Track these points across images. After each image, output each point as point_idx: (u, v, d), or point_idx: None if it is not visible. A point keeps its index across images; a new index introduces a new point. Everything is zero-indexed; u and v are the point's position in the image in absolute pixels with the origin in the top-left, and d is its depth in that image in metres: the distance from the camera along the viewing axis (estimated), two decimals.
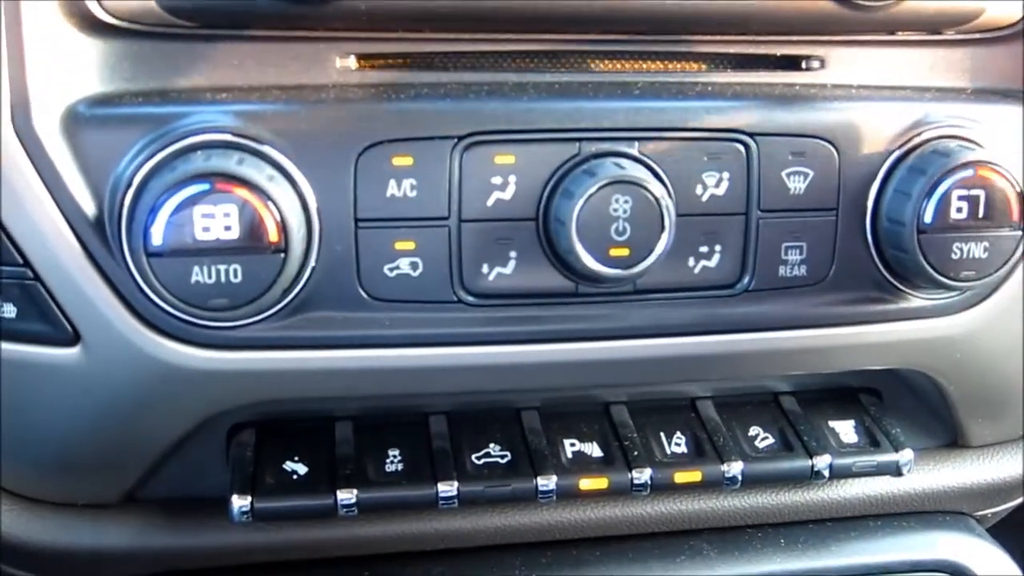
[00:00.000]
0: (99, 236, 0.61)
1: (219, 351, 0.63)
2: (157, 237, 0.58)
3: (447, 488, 0.68)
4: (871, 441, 0.76)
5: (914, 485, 0.81)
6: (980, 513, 0.86)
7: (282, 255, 0.60)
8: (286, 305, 0.62)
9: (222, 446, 0.71)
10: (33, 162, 0.60)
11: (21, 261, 0.61)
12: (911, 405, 0.81)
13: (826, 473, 0.73)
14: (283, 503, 0.68)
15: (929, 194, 0.66)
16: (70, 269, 0.61)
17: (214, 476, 0.71)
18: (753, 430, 0.76)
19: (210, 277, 0.59)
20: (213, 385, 0.64)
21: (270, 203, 0.59)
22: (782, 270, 0.68)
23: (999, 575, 0.81)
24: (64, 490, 0.71)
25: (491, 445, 0.72)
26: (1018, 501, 0.88)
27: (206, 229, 0.58)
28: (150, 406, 0.66)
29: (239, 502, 0.67)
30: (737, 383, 0.77)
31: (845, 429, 0.77)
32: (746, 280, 0.68)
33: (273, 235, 0.59)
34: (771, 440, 0.75)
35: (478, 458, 0.71)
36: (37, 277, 0.61)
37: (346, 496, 0.67)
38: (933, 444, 0.83)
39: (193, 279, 0.59)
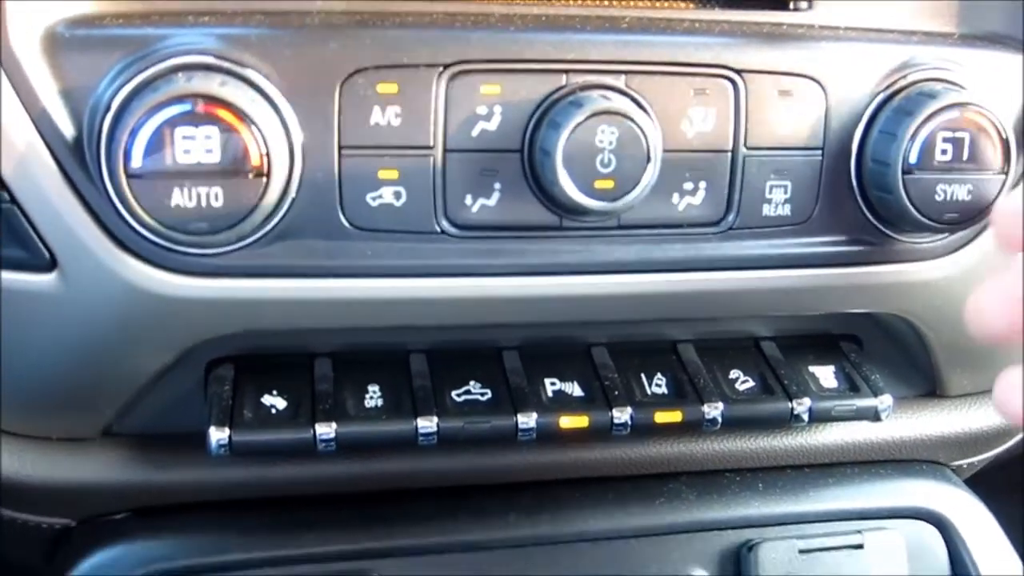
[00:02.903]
0: (77, 159, 0.60)
1: (198, 278, 0.62)
2: (137, 159, 0.57)
3: (427, 424, 0.68)
4: (850, 386, 0.76)
5: (892, 433, 0.82)
6: (957, 463, 0.87)
7: (264, 180, 0.59)
8: (267, 232, 0.61)
9: (200, 381, 0.71)
10: (12, 83, 0.59)
11: None
12: (891, 353, 0.81)
13: (805, 417, 0.73)
14: (261, 437, 0.67)
15: (914, 135, 0.66)
16: (47, 192, 0.60)
17: (192, 411, 0.71)
18: (734, 373, 0.76)
19: (190, 200, 0.58)
20: (192, 314, 0.64)
21: (252, 127, 0.58)
22: (766, 209, 0.68)
23: (974, 523, 0.82)
24: (41, 424, 0.71)
25: (472, 383, 0.72)
26: (994, 452, 0.89)
27: (187, 152, 0.57)
28: (128, 335, 0.65)
29: (217, 435, 0.66)
30: (718, 327, 0.77)
31: (825, 374, 0.77)
32: (730, 218, 0.67)
33: (255, 159, 0.58)
34: (751, 383, 0.75)
35: (458, 395, 0.71)
36: (13, 200, 0.60)
37: (325, 431, 0.67)
38: (912, 393, 0.83)
39: (173, 202, 0.58)
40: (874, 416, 0.75)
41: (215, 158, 0.58)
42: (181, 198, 0.58)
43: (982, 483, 0.89)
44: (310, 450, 0.67)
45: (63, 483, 0.71)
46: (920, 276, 0.72)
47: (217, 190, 0.58)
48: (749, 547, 0.76)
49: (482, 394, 0.71)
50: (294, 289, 0.64)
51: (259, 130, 0.58)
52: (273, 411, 0.69)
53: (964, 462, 0.87)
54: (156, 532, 0.72)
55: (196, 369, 0.71)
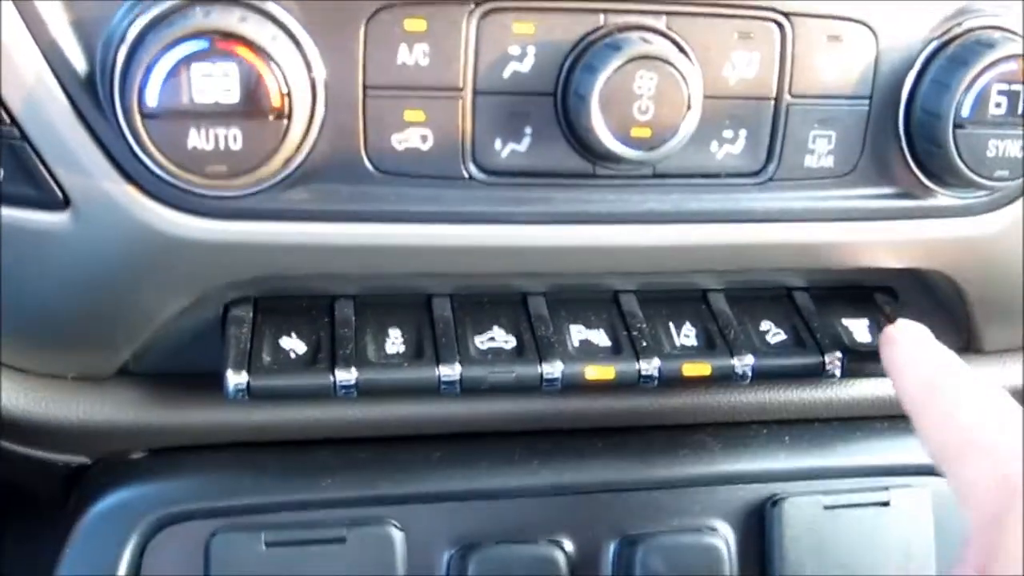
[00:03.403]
0: (90, 95, 0.57)
1: (216, 220, 0.60)
2: (152, 97, 0.55)
3: (449, 372, 0.66)
4: None
5: None
6: None
7: (285, 122, 0.56)
8: (288, 175, 0.59)
9: (218, 320, 0.69)
10: (20, 13, 0.56)
11: (8, 120, 0.57)
12: (926, 307, 0.78)
13: (837, 372, 0.71)
14: (280, 381, 0.65)
15: (969, 87, 0.63)
16: (59, 129, 0.58)
17: (210, 351, 0.68)
18: (764, 324, 0.74)
19: (208, 142, 0.56)
20: (209, 257, 0.61)
21: (273, 65, 0.55)
22: (808, 160, 0.65)
23: None
24: (55, 362, 0.69)
25: (496, 329, 0.70)
26: None
27: (204, 91, 0.55)
28: (143, 277, 0.63)
29: (234, 379, 0.64)
30: (751, 276, 0.74)
31: (858, 328, 0.75)
32: (771, 168, 0.65)
33: (275, 100, 0.56)
34: (783, 336, 0.73)
35: (482, 343, 0.69)
36: (24, 136, 0.58)
37: (345, 377, 0.65)
38: (947, 347, 0.81)
39: (190, 144, 0.56)
40: None
41: (234, 98, 0.55)
42: (198, 139, 0.56)
43: None
44: (329, 396, 0.65)
45: (78, 422, 0.69)
46: (963, 232, 0.70)
47: (236, 132, 0.56)
48: (773, 502, 0.75)
49: (506, 341, 0.69)
50: (315, 234, 0.61)
51: (280, 69, 0.55)
52: (292, 355, 0.67)
53: None
54: (172, 473, 0.71)
55: (214, 309, 0.69)
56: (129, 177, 0.59)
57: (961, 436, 0.59)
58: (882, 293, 0.78)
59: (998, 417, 0.58)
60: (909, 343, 0.67)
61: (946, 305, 0.78)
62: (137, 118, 0.55)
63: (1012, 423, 0.58)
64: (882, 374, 0.73)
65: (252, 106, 0.55)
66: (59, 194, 0.59)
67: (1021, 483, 0.53)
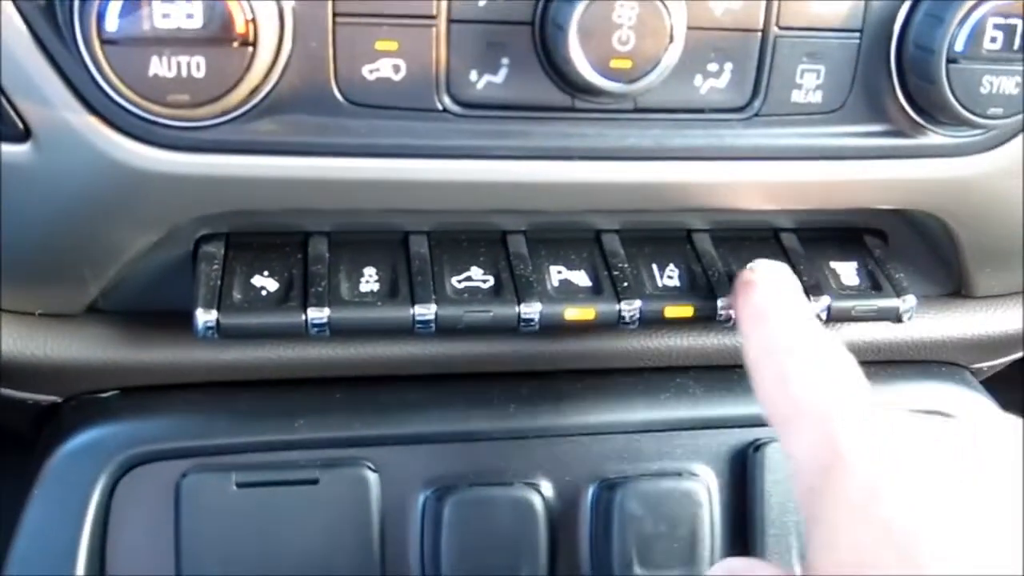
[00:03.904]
0: (49, 21, 0.55)
1: (180, 153, 0.58)
2: (111, 23, 0.52)
3: (424, 311, 0.64)
4: (873, 285, 0.72)
5: (913, 334, 0.78)
6: (976, 366, 0.84)
7: (250, 49, 0.54)
8: (254, 106, 0.57)
9: (189, 256, 0.67)
10: None
11: None
12: (916, 250, 0.77)
13: (824, 316, 0.70)
14: (250, 320, 0.64)
15: (963, 20, 0.60)
16: (18, 57, 0.55)
17: (181, 289, 0.67)
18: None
19: (170, 70, 0.54)
20: (174, 191, 0.60)
21: None
22: (796, 95, 0.63)
23: None
24: (22, 299, 0.67)
25: (473, 268, 0.68)
26: (1016, 355, 0.86)
27: (166, 16, 0.53)
28: (108, 211, 0.61)
29: (204, 317, 0.63)
30: (737, 216, 0.73)
31: (847, 271, 0.73)
32: (756, 104, 0.62)
33: (240, 26, 0.54)
34: None
35: (459, 281, 0.67)
36: None
37: (317, 315, 0.63)
38: (936, 292, 0.79)
39: (151, 71, 0.54)
40: (896, 317, 0.71)
41: (197, 23, 0.53)
42: (160, 67, 0.54)
43: (997, 383, 0.86)
44: (301, 335, 0.64)
45: (46, 359, 0.68)
46: (955, 172, 0.68)
47: (199, 59, 0.54)
48: (756, 447, 0.74)
49: (484, 281, 0.67)
50: (283, 167, 0.59)
51: None
52: (264, 292, 0.65)
53: (984, 364, 0.84)
54: (143, 412, 0.70)
55: (185, 245, 0.67)
56: (91, 107, 0.57)
57: (792, 404, 0.56)
58: (872, 236, 0.76)
59: (832, 386, 0.56)
60: (761, 293, 0.64)
61: (937, 248, 0.76)
62: (96, 45, 0.53)
63: (845, 393, 0.55)
64: (871, 318, 0.72)
65: (216, 32, 0.53)
66: (19, 125, 0.57)
67: (844, 453, 0.51)
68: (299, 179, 0.60)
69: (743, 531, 0.74)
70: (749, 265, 0.67)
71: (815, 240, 0.74)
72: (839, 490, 0.50)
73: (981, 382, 0.84)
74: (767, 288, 0.65)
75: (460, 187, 0.62)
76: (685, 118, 0.62)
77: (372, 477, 0.69)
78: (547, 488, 0.72)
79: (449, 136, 0.60)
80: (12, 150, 0.58)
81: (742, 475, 0.74)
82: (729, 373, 0.76)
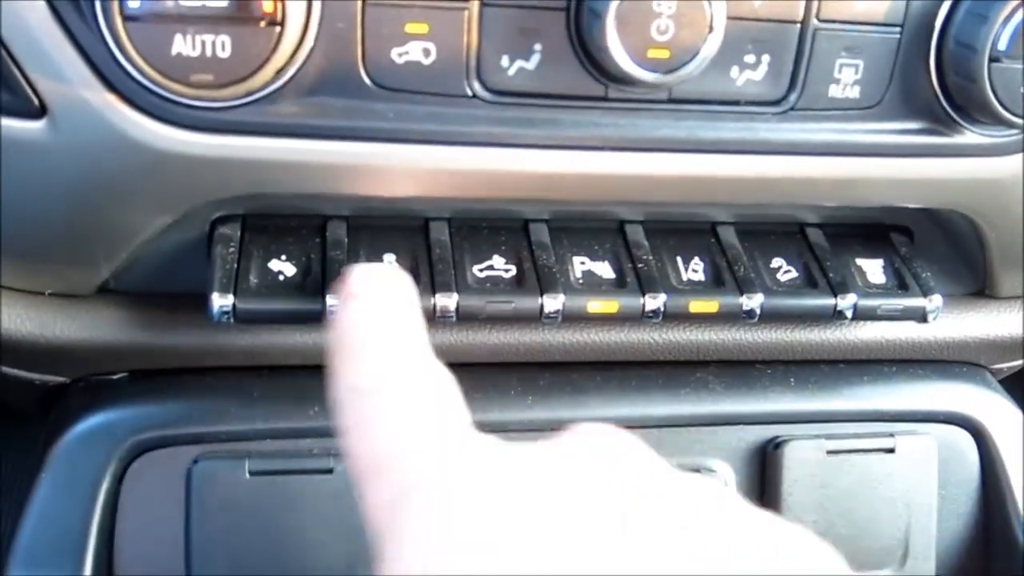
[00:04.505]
0: None
1: (201, 134, 0.56)
2: None
3: (445, 301, 0.63)
4: (899, 283, 0.71)
5: (936, 333, 0.77)
6: (996, 367, 0.83)
7: (277, 29, 0.53)
8: (279, 87, 0.55)
9: (204, 238, 0.66)
10: None
11: None
12: (942, 248, 0.76)
13: (849, 314, 0.68)
14: (267, 305, 0.62)
15: (1008, 18, 0.59)
16: (36, 31, 0.53)
17: (195, 271, 0.65)
18: (776, 262, 0.70)
19: (194, 49, 0.52)
20: (193, 172, 0.58)
21: None
22: (833, 89, 0.61)
23: (1010, 431, 0.78)
24: (33, 278, 0.66)
25: (495, 257, 0.66)
26: None
27: None
28: (124, 191, 0.59)
29: (220, 301, 0.61)
30: (763, 210, 0.71)
31: (873, 268, 0.72)
32: (793, 97, 0.61)
33: (268, 5, 0.52)
34: (794, 274, 0.70)
35: (480, 270, 0.66)
36: None
37: (335, 302, 0.62)
38: (959, 291, 0.78)
39: (174, 50, 0.52)
40: (921, 317, 0.70)
41: (223, 2, 0.51)
42: (184, 46, 0.52)
43: (1015, 383, 0.85)
44: (318, 321, 0.62)
45: (56, 340, 0.66)
46: (989, 172, 0.66)
47: (224, 39, 0.52)
48: (776, 445, 0.73)
49: (506, 270, 0.66)
50: (307, 151, 0.58)
51: None
52: (281, 277, 0.64)
53: (1004, 365, 0.83)
54: (154, 396, 0.68)
55: (200, 226, 0.65)
56: (110, 85, 0.55)
57: (370, 455, 0.48)
58: (898, 233, 0.75)
59: (413, 439, 0.48)
60: (360, 312, 0.54)
61: (963, 247, 0.75)
62: (118, 21, 0.51)
63: (425, 440, 0.48)
64: (896, 317, 0.70)
65: (243, 11, 0.52)
66: (36, 101, 0.55)
67: (408, 490, 0.45)
68: (323, 163, 0.58)
69: None
70: (354, 272, 0.56)
71: (841, 236, 0.73)
72: (392, 558, 0.44)
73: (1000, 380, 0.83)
74: (364, 309, 0.55)
75: (488, 175, 0.60)
76: (720, 110, 0.61)
77: None
78: None
79: (478, 123, 0.58)
80: (27, 126, 0.56)
81: (761, 472, 0.73)
82: (749, 369, 0.75)
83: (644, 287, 0.66)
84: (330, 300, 0.62)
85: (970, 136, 0.64)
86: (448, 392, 0.52)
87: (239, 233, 0.65)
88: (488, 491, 0.44)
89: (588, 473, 0.46)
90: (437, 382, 0.52)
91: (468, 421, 0.51)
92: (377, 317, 0.54)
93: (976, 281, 0.78)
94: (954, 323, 0.77)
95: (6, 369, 0.68)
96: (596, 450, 0.49)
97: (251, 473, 0.66)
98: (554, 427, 0.71)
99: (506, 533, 0.42)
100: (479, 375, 0.71)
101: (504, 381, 0.72)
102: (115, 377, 0.69)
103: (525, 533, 0.42)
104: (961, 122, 0.64)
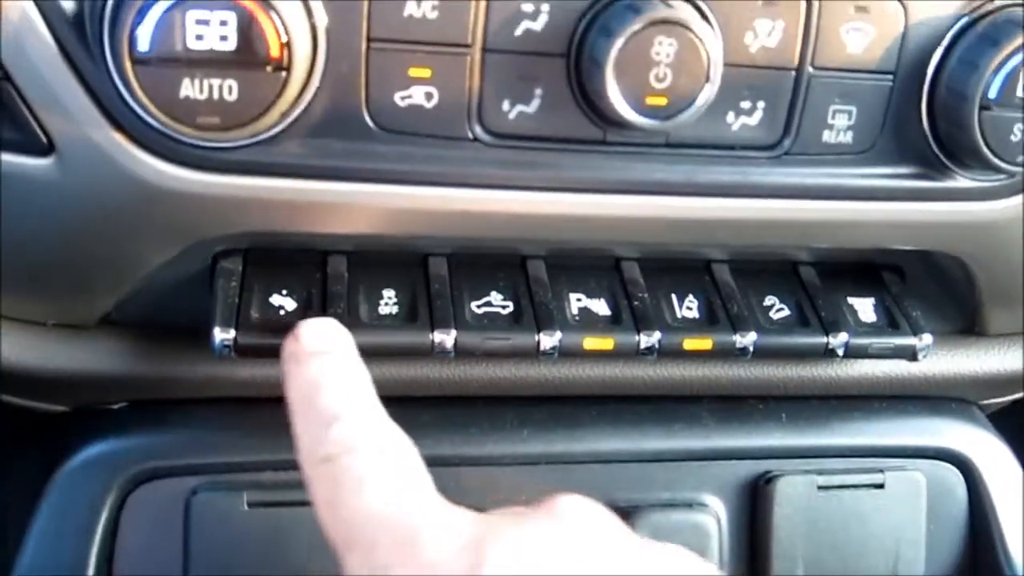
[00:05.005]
0: (78, 36, 0.54)
1: (206, 173, 0.57)
2: (144, 42, 0.51)
3: (444, 338, 0.64)
4: (890, 322, 0.72)
5: (925, 370, 0.78)
6: (984, 402, 0.84)
7: (283, 73, 0.53)
8: (284, 129, 0.56)
9: (207, 272, 0.66)
10: None
11: None
12: (932, 287, 0.77)
13: (841, 352, 0.69)
14: (268, 340, 0.63)
15: (998, 68, 0.60)
16: (44, 70, 0.54)
17: (197, 303, 0.66)
18: (769, 299, 0.72)
19: (201, 92, 0.53)
20: (198, 210, 0.59)
21: (272, 13, 0.52)
22: (827, 135, 0.62)
23: (998, 468, 0.79)
24: (35, 309, 0.66)
25: (493, 294, 0.67)
26: (1020, 393, 0.86)
27: (199, 37, 0.52)
28: (128, 228, 0.60)
29: (221, 335, 0.62)
30: (756, 249, 0.72)
31: (864, 307, 0.73)
32: (787, 142, 0.62)
33: (274, 50, 0.53)
34: (787, 312, 0.71)
35: (478, 306, 0.67)
36: (7, 77, 0.54)
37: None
38: (948, 329, 0.79)
39: (182, 93, 0.53)
40: (911, 355, 0.71)
41: (230, 46, 0.52)
42: (191, 89, 0.53)
43: (1002, 419, 0.86)
44: None
45: (58, 370, 0.67)
46: (979, 216, 0.67)
47: (231, 82, 0.53)
48: (767, 479, 0.74)
49: (503, 306, 0.67)
50: (310, 191, 0.59)
51: (280, 17, 0.52)
52: (282, 312, 0.65)
53: (992, 401, 0.84)
54: (154, 426, 0.69)
55: (202, 260, 0.66)
56: (117, 124, 0.56)
57: (346, 527, 0.50)
58: (889, 272, 0.76)
59: (392, 502, 0.50)
60: (314, 374, 0.55)
61: (952, 287, 0.76)
62: (127, 63, 0.52)
63: (401, 509, 0.50)
64: (887, 355, 0.72)
65: (249, 55, 0.52)
66: (43, 139, 0.56)
67: None
68: (325, 203, 0.59)
69: (752, 563, 0.74)
70: (295, 329, 0.58)
71: (832, 274, 0.74)
72: None
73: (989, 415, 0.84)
74: (319, 370, 0.56)
75: (487, 216, 0.61)
76: (716, 154, 0.62)
77: None
78: None
79: (479, 165, 0.59)
80: (35, 163, 0.57)
81: (752, 508, 0.74)
82: (741, 404, 0.76)
83: (639, 324, 0.67)
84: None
85: (961, 181, 0.66)
86: (411, 455, 0.53)
87: (241, 267, 0.66)
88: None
89: (565, 554, 0.47)
90: (400, 445, 0.53)
91: (432, 486, 0.52)
92: (333, 378, 0.55)
93: (965, 319, 0.79)
94: (943, 360, 0.79)
95: (6, 398, 0.69)
96: (571, 527, 0.50)
97: (250, 504, 0.67)
98: (550, 460, 0.73)
99: None
100: (474, 408, 0.73)
101: (500, 414, 0.73)
102: (115, 407, 0.70)
103: None
104: (952, 167, 0.65)
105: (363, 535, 0.49)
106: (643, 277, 0.70)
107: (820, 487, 0.74)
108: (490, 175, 0.60)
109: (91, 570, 0.66)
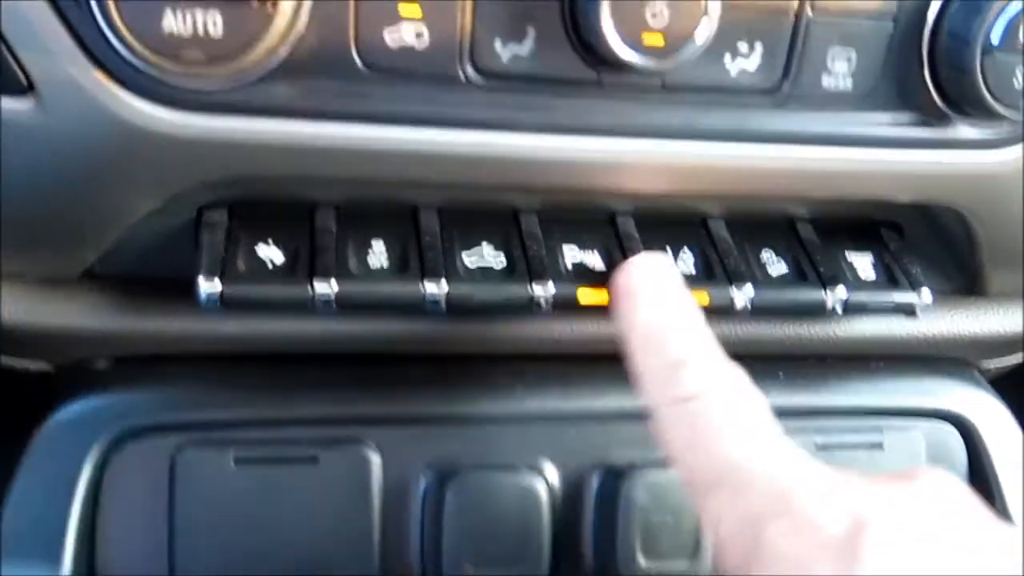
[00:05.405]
0: None
1: (191, 113, 0.55)
2: None
3: (435, 289, 0.62)
4: (889, 278, 0.71)
5: (923, 329, 0.77)
6: (985, 364, 0.83)
7: (269, 7, 0.52)
8: (270, 68, 0.54)
9: (191, 225, 0.65)
10: None
11: None
12: (931, 245, 0.76)
13: (840, 308, 0.68)
14: (255, 291, 0.62)
15: (1001, 11, 0.59)
16: (22, 6, 0.53)
17: (181, 257, 0.65)
18: (765, 255, 0.70)
19: (185, 25, 0.51)
20: (182, 153, 0.57)
21: None
22: (826, 80, 0.61)
23: (998, 428, 0.78)
24: (16, 262, 0.64)
25: (485, 246, 0.66)
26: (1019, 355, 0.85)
27: None
28: (112, 172, 0.58)
29: (207, 287, 0.61)
30: (754, 204, 0.71)
31: (862, 263, 0.72)
32: (786, 87, 0.61)
33: None
34: (784, 268, 0.70)
35: (470, 259, 0.65)
36: None
37: (324, 289, 0.61)
38: (948, 289, 0.78)
39: (165, 27, 0.51)
40: (911, 312, 0.70)
41: None
42: (174, 23, 0.51)
43: (1005, 383, 0.85)
44: (307, 309, 0.62)
45: (40, 326, 0.65)
46: (980, 166, 0.66)
47: (215, 16, 0.51)
48: None
49: (496, 259, 0.65)
50: (297, 133, 0.57)
51: None
52: (269, 264, 0.63)
53: (992, 363, 0.83)
54: (138, 383, 0.67)
55: (187, 212, 0.64)
56: (98, 62, 0.54)
57: (711, 467, 0.51)
58: (888, 229, 0.75)
59: (757, 446, 0.51)
60: (659, 312, 0.56)
61: (952, 245, 0.75)
62: None
63: (769, 458, 0.51)
64: (886, 311, 0.70)
65: None
66: (21, 77, 0.54)
67: (762, 544, 0.47)
68: (313, 145, 0.58)
69: None
70: (628, 265, 0.60)
71: (831, 231, 0.73)
72: (775, 548, 0.47)
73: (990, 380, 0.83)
74: (663, 308, 0.57)
75: (479, 159, 0.60)
76: (713, 99, 0.60)
77: (374, 457, 0.67)
78: (551, 474, 0.70)
79: (471, 107, 0.58)
80: (12, 104, 0.55)
81: None
82: (738, 363, 0.74)
83: None
84: (320, 287, 0.61)
85: (962, 129, 0.64)
86: (762, 401, 0.54)
87: (226, 219, 0.64)
88: (855, 523, 0.46)
89: (945, 539, 0.47)
90: (751, 390, 0.54)
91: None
92: (676, 318, 0.56)
93: (965, 279, 0.78)
94: (943, 320, 0.77)
95: None
96: (946, 506, 0.50)
97: (236, 462, 0.65)
98: (543, 418, 0.71)
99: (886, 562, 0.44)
100: (467, 365, 0.71)
101: (492, 372, 0.71)
102: (99, 364, 0.68)
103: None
104: (953, 115, 0.64)
105: (729, 479, 0.49)
106: (638, 232, 0.69)
107: (818, 446, 0.73)
108: (481, 116, 0.58)
109: (73, 531, 0.64)
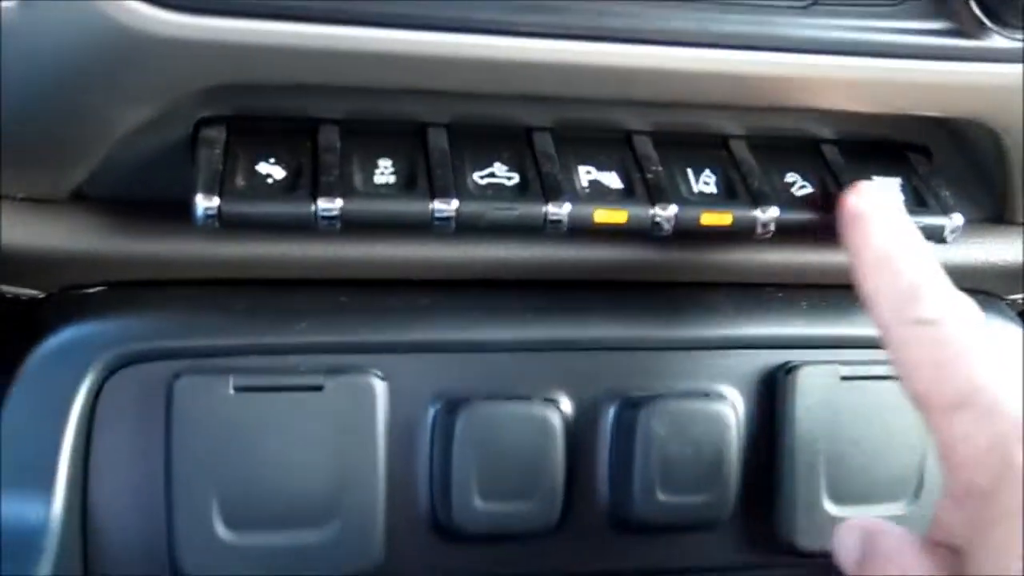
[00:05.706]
0: None
1: (183, 14, 0.52)
2: None
3: (444, 207, 0.59)
4: (918, 201, 0.68)
5: (950, 258, 0.73)
6: (1012, 297, 0.80)
7: None
8: None
9: (187, 142, 0.62)
10: None
11: None
12: (959, 169, 0.72)
13: None
14: (255, 208, 0.58)
15: None
16: None
17: (177, 177, 0.62)
18: (790, 176, 0.67)
19: None
20: (177, 57, 0.54)
21: None
22: None
23: None
24: (4, 180, 0.61)
25: (496, 165, 0.63)
26: None
27: None
28: (101, 79, 0.55)
29: (204, 203, 0.57)
30: (777, 123, 0.68)
31: (891, 187, 0.69)
32: None
33: None
34: (809, 189, 0.67)
35: (481, 177, 0.62)
36: None
37: (328, 206, 0.58)
38: (976, 217, 0.75)
39: None
40: (940, 237, 0.67)
41: None
42: None
43: None
44: (310, 226, 0.59)
45: (28, 249, 0.62)
46: (1016, 80, 0.63)
47: None
48: (787, 370, 0.69)
49: (508, 178, 0.62)
50: (297, 35, 0.54)
51: None
52: (269, 180, 0.60)
53: (1020, 296, 0.80)
54: (133, 308, 0.64)
55: (183, 127, 0.61)
56: None
57: (956, 388, 0.52)
58: (915, 152, 0.71)
59: (1002, 370, 0.52)
60: (895, 236, 0.58)
61: (982, 168, 0.71)
62: None
63: (1009, 383, 0.51)
64: None
65: None
66: None
67: (1016, 465, 0.48)
68: (314, 48, 0.54)
69: (770, 457, 0.70)
70: (859, 187, 0.62)
71: (857, 153, 0.70)
72: (1012, 500, 0.47)
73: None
74: (898, 233, 0.58)
75: (489, 64, 0.56)
76: (736, 2, 0.57)
77: (380, 385, 0.64)
78: (565, 404, 0.68)
79: (480, 9, 0.54)
80: None
81: (771, 399, 0.70)
82: (760, 291, 0.72)
83: (653, 197, 0.62)
84: (324, 203, 0.58)
85: (998, 40, 0.61)
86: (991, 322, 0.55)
87: (224, 136, 0.61)
88: None
89: None
90: (980, 313, 0.55)
91: None
92: (908, 242, 0.58)
93: (994, 206, 0.74)
94: (970, 249, 0.74)
95: None
96: None
97: (236, 389, 0.62)
98: (556, 347, 0.68)
99: None
100: (476, 292, 0.68)
101: (504, 298, 0.68)
102: (91, 289, 0.65)
103: None
104: (990, 24, 0.60)
105: (975, 400, 0.50)
106: (656, 152, 0.66)
107: (843, 377, 0.70)
108: (491, 19, 0.55)
109: (66, 460, 0.61)
